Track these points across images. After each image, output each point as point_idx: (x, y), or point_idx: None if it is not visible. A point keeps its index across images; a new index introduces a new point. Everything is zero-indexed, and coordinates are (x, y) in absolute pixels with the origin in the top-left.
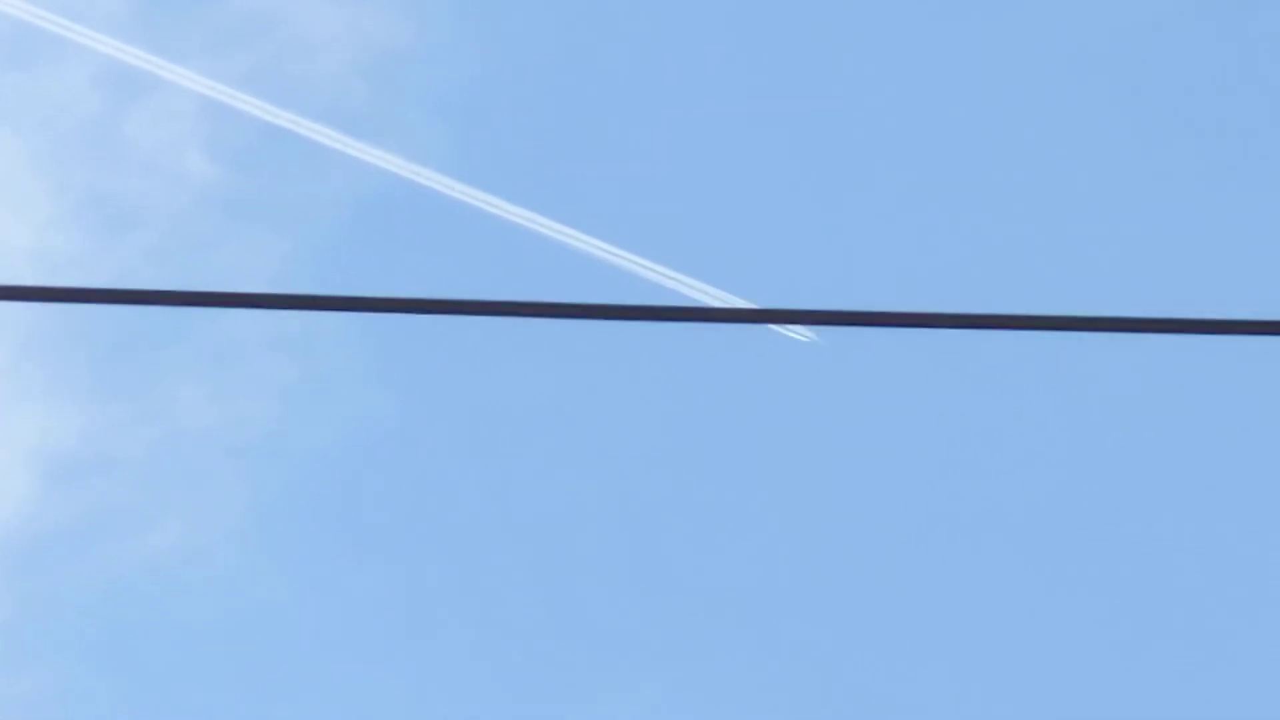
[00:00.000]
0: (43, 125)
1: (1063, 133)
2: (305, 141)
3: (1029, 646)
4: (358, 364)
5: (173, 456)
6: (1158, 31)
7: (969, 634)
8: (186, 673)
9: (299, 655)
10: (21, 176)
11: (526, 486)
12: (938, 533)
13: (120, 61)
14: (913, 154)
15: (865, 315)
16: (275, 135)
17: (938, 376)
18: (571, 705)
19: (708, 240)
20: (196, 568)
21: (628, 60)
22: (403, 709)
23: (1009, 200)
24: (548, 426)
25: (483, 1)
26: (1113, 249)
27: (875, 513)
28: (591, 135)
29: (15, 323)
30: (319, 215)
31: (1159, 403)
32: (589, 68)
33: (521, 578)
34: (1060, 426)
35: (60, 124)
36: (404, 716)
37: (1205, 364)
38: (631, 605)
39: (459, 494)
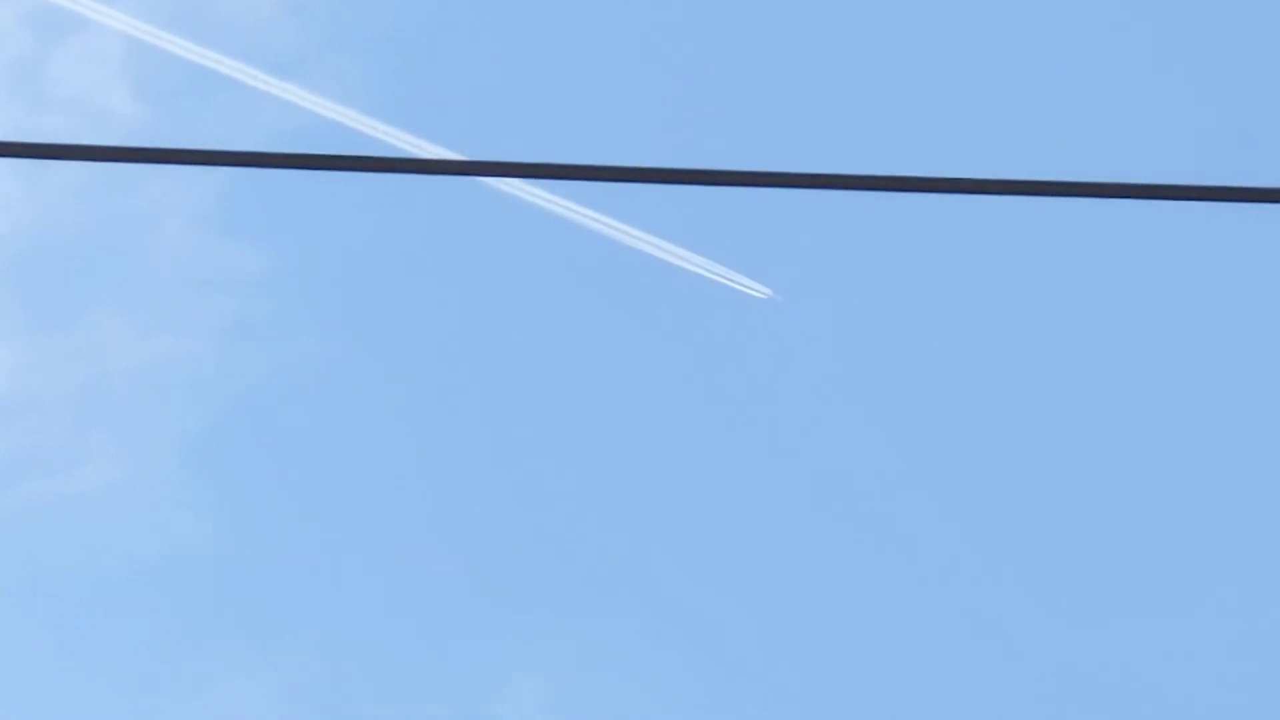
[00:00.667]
0: None
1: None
2: (232, 82)
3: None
4: (290, 304)
5: (102, 395)
6: None
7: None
8: (115, 612)
9: (227, 595)
10: None
11: (457, 421)
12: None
13: (47, 0)
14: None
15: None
16: (202, 75)
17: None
18: (505, 636)
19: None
20: (125, 507)
21: (562, 2)
22: (334, 646)
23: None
24: (477, 365)
25: None
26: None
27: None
28: (523, 79)
29: None
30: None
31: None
32: (520, 10)
33: (454, 512)
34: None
35: None
36: (335, 653)
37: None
38: (578, 536)
39: (389, 433)
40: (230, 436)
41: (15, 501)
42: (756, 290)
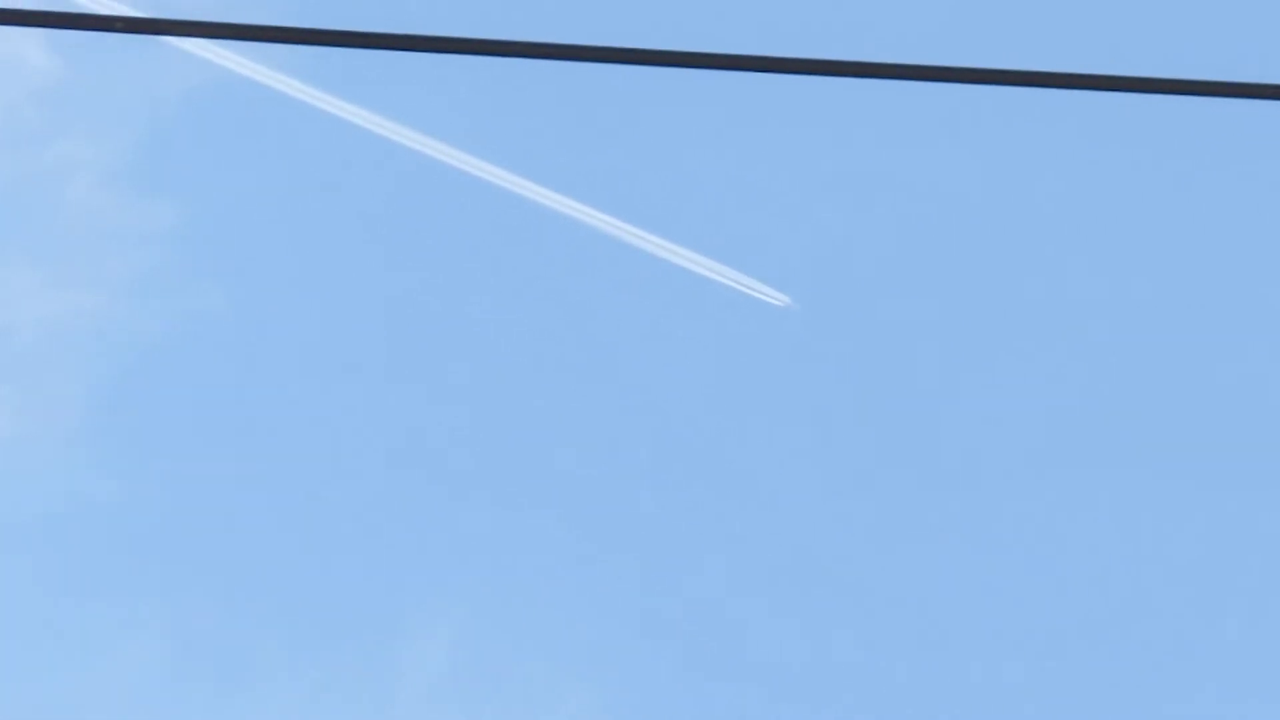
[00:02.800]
0: None
1: None
2: (145, 36)
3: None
4: (196, 258)
5: (7, 348)
6: None
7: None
8: (12, 567)
9: (127, 548)
10: None
11: (357, 380)
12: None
13: None
14: None
15: None
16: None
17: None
18: (412, 585)
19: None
20: (26, 460)
21: None
22: (229, 605)
23: None
24: (382, 319)
25: None
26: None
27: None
28: (435, 30)
29: None
30: (156, 109)
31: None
32: None
33: (357, 464)
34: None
35: None
36: (235, 606)
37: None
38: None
39: (292, 387)
40: (134, 390)
41: None
42: (775, 298)
